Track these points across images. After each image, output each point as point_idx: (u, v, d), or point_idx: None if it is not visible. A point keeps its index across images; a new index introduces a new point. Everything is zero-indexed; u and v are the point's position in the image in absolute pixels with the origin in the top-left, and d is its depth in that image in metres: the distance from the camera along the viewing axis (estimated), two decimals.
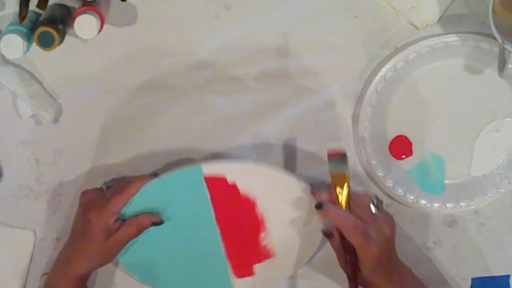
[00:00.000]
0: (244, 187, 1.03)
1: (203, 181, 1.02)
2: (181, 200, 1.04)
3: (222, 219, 1.05)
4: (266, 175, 1.03)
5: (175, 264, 1.08)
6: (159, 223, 1.03)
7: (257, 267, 1.09)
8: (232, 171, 1.02)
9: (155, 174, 1.02)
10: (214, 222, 1.05)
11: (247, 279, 1.10)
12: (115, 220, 1.01)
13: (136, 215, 1.02)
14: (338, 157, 1.01)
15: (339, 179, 1.01)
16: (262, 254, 1.08)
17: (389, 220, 1.03)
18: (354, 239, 0.98)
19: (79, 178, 1.08)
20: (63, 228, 1.10)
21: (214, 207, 1.04)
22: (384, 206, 1.06)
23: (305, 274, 1.13)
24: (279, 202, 1.04)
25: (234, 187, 1.03)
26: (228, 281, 1.09)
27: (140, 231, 1.03)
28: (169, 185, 1.02)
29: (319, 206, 1.01)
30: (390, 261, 1.02)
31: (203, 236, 1.06)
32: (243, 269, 1.09)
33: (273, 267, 1.09)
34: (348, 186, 1.00)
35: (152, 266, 1.08)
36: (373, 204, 1.02)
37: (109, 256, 1.03)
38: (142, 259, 1.07)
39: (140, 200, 1.02)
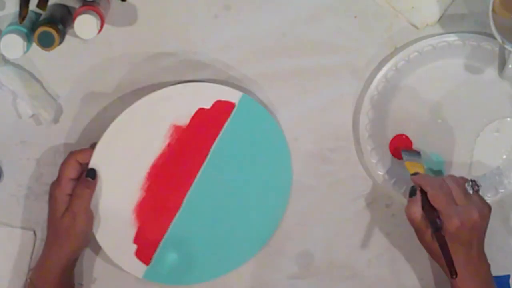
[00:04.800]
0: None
1: None
2: None
3: None
4: None
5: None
6: (90, 172, 1.02)
7: None
8: None
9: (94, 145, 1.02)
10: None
11: None
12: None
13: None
14: (413, 151, 1.06)
15: (415, 168, 1.03)
16: None
17: (482, 206, 1.00)
18: (437, 200, 0.98)
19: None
20: None
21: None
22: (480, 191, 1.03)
23: (305, 274, 1.13)
24: None
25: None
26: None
27: (81, 192, 1.01)
28: None
29: (415, 173, 1.02)
30: (469, 246, 0.99)
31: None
32: None
33: None
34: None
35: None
36: (469, 184, 1.01)
37: (74, 236, 1.01)
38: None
39: None
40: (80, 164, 1.02)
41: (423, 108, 1.07)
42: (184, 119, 1.04)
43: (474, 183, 1.01)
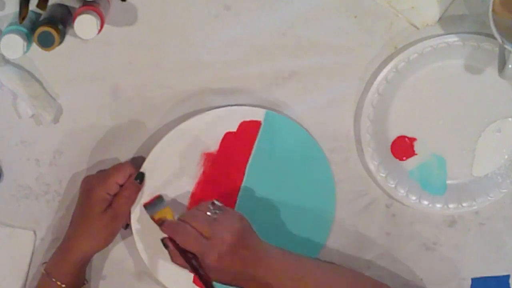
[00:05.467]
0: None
1: None
2: None
3: None
4: None
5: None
6: (140, 175, 1.04)
7: None
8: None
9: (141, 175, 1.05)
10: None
11: None
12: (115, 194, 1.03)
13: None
14: (153, 202, 1.05)
15: (162, 214, 1.03)
16: None
17: (230, 223, 0.99)
18: (188, 245, 0.97)
19: (79, 178, 1.08)
20: (63, 228, 1.10)
21: None
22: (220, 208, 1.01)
23: None
24: None
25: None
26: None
27: (129, 194, 1.03)
28: None
29: (162, 223, 1.02)
30: (244, 260, 0.98)
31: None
32: None
33: None
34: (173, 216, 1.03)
35: None
36: (210, 210, 0.99)
37: (107, 234, 1.04)
38: None
39: None
40: (129, 175, 1.04)
41: (424, 109, 1.07)
42: (213, 146, 1.05)
43: (213, 205, 1.00)
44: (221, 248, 0.97)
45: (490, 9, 0.95)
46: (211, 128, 1.05)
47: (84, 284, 1.07)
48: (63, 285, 1.03)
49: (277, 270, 1.00)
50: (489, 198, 1.09)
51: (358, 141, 1.08)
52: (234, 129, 1.05)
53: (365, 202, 1.11)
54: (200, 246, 0.97)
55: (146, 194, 1.05)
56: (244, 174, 1.07)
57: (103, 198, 1.02)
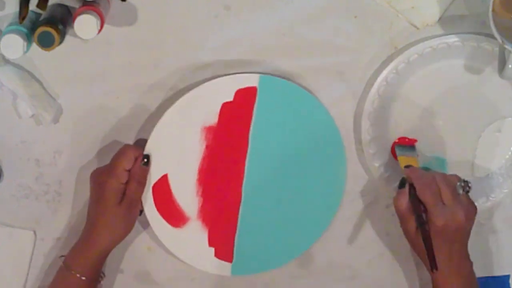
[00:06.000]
0: None
1: None
2: None
3: None
4: None
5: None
6: (145, 157, 1.04)
7: None
8: None
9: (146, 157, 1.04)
10: None
11: None
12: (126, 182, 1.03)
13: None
14: (406, 146, 1.06)
15: (408, 161, 1.04)
16: None
17: (469, 208, 1.00)
18: (423, 196, 0.99)
19: (79, 178, 1.08)
20: (63, 228, 1.10)
21: None
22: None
23: (305, 274, 1.13)
24: None
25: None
26: None
27: (139, 178, 1.03)
28: None
29: (407, 166, 1.03)
30: (452, 244, 1.00)
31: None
32: None
33: None
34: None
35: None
36: (460, 185, 1.00)
37: (126, 224, 1.04)
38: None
39: None
40: (135, 158, 1.04)
41: (424, 109, 1.07)
42: (212, 119, 1.05)
43: (466, 183, 1.00)
44: (449, 221, 0.98)
45: (490, 9, 0.95)
46: (208, 101, 1.04)
47: (102, 278, 1.07)
48: (83, 278, 1.03)
49: (456, 276, 1.01)
50: (490, 198, 1.09)
51: (358, 141, 1.08)
52: (230, 98, 1.04)
53: (365, 202, 1.11)
54: (435, 205, 0.98)
55: (153, 175, 1.05)
56: (248, 142, 1.06)
57: (117, 188, 1.02)
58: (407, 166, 1.04)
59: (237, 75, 1.04)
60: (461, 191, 1.00)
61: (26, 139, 1.06)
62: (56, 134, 1.06)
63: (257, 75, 1.04)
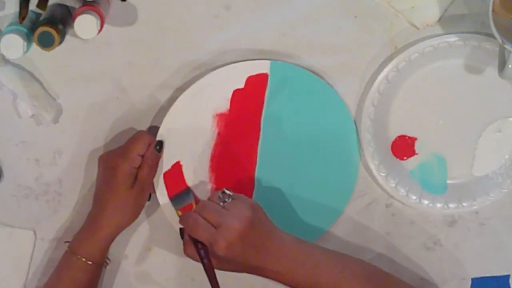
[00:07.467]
0: None
1: None
2: None
3: None
4: None
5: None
6: (159, 143, 1.04)
7: None
8: None
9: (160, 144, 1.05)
10: None
11: None
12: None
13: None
14: (180, 194, 1.06)
15: (187, 209, 1.05)
16: None
17: (240, 212, 0.97)
18: (196, 235, 0.97)
19: (79, 178, 1.08)
20: (63, 228, 1.10)
21: None
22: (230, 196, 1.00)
23: None
24: None
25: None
26: None
27: (152, 164, 1.04)
28: None
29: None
30: (256, 247, 0.98)
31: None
32: None
33: None
34: None
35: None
36: (220, 199, 0.99)
37: (135, 208, 1.05)
38: None
39: None
40: (148, 143, 1.04)
41: (424, 108, 1.07)
42: (224, 106, 1.05)
43: (223, 194, 0.99)
44: (229, 236, 0.96)
45: (490, 9, 0.95)
46: (219, 88, 1.04)
47: (107, 263, 1.07)
48: (89, 262, 1.03)
49: (289, 258, 0.99)
50: (490, 198, 1.09)
51: (359, 140, 1.08)
52: (241, 85, 1.05)
53: (365, 202, 1.11)
54: (209, 235, 0.96)
55: (166, 162, 1.06)
56: (259, 129, 1.06)
57: (130, 173, 1.02)
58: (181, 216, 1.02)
59: (248, 61, 1.04)
60: (221, 204, 0.98)
61: (26, 139, 1.06)
62: (56, 134, 1.07)
63: (268, 61, 1.04)
